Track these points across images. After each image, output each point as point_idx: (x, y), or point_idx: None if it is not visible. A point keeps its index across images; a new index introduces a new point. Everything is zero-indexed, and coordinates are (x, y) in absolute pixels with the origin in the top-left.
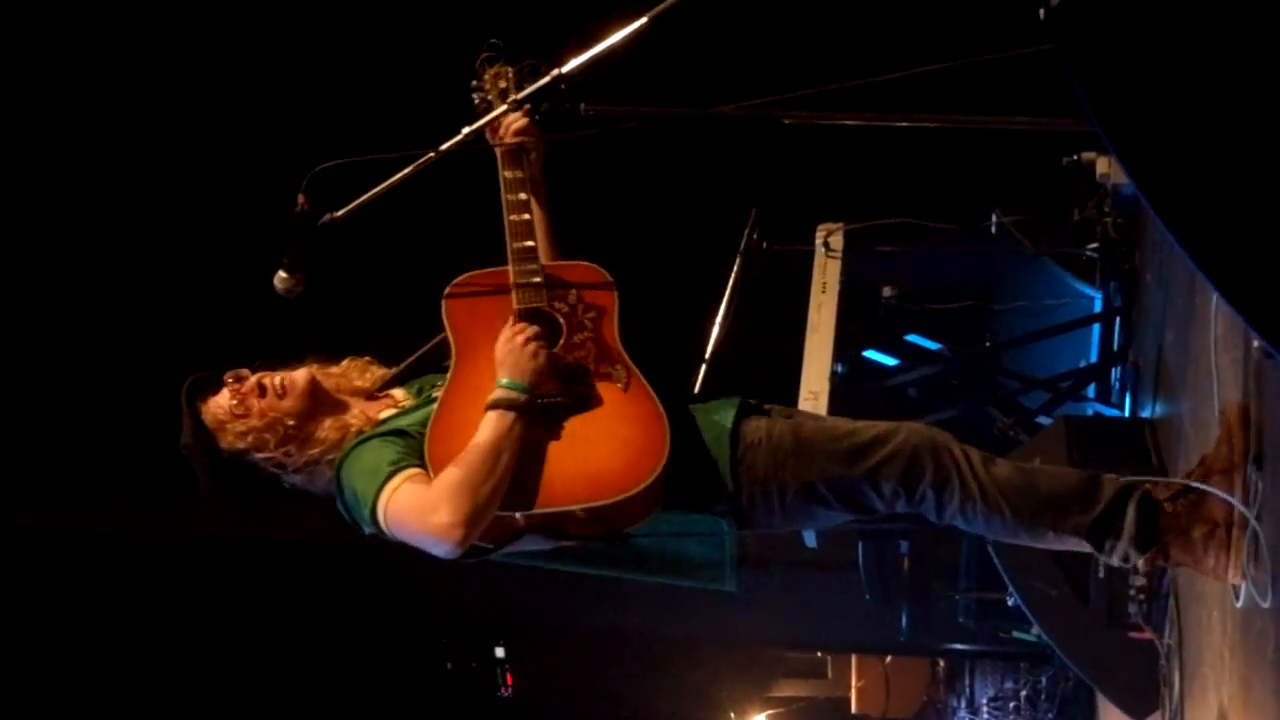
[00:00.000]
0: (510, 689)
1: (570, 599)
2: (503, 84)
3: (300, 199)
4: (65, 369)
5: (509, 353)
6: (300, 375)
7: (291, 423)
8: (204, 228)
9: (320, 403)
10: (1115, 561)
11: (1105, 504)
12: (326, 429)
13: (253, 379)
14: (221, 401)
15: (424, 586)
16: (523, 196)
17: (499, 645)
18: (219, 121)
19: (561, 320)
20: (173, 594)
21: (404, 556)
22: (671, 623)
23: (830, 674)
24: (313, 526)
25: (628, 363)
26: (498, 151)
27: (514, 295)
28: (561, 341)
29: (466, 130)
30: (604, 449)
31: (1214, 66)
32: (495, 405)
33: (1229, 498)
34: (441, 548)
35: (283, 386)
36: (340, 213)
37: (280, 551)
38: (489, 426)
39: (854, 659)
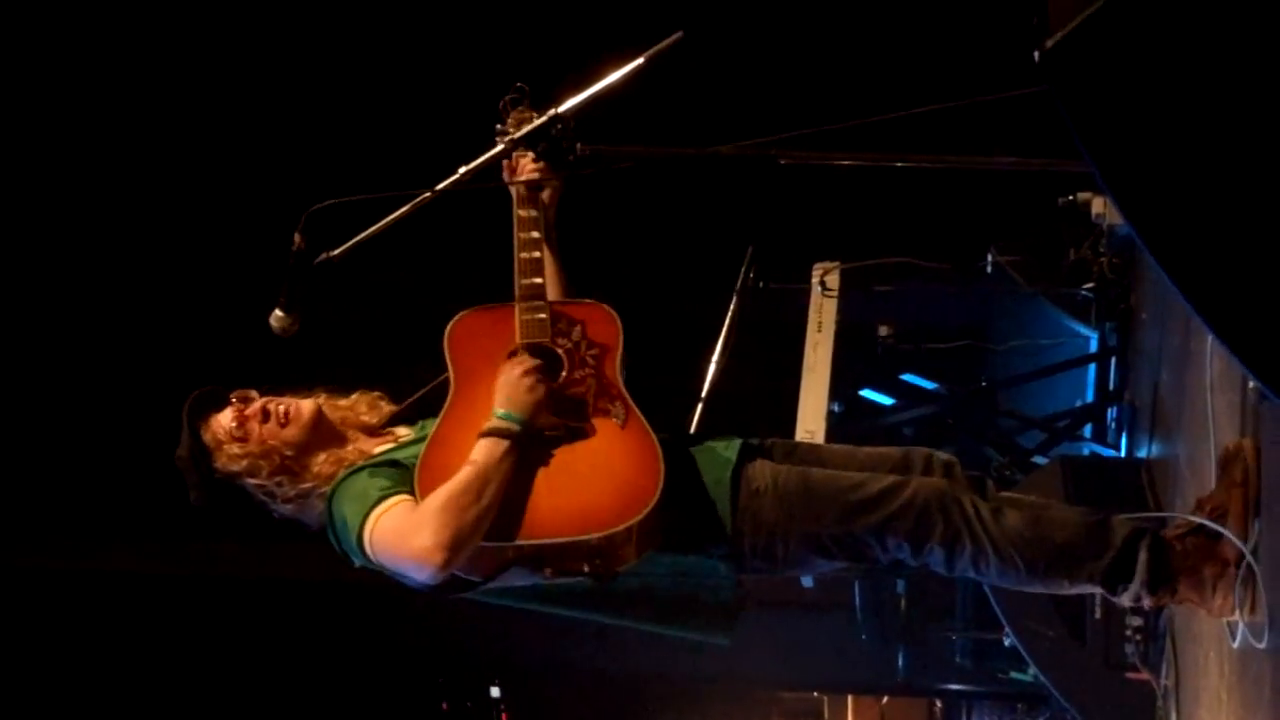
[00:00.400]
0: None
1: (566, 639)
2: (526, 127)
3: (296, 238)
4: (68, 408)
5: (506, 383)
6: (307, 406)
7: (289, 453)
8: (211, 265)
9: (321, 435)
10: (1126, 603)
11: (1117, 549)
12: (321, 463)
13: (258, 403)
14: (223, 421)
15: (420, 626)
16: (535, 235)
17: (494, 685)
18: (225, 157)
19: (563, 355)
20: (168, 633)
21: (400, 595)
22: (667, 663)
23: (826, 714)
24: (307, 565)
25: (628, 401)
26: (513, 190)
27: (517, 330)
28: (562, 377)
29: (463, 170)
30: (595, 484)
31: (1207, 107)
32: (488, 434)
33: (1237, 541)
34: (423, 572)
35: (286, 415)
36: (337, 252)
37: (275, 590)
38: (479, 454)
39: (850, 699)
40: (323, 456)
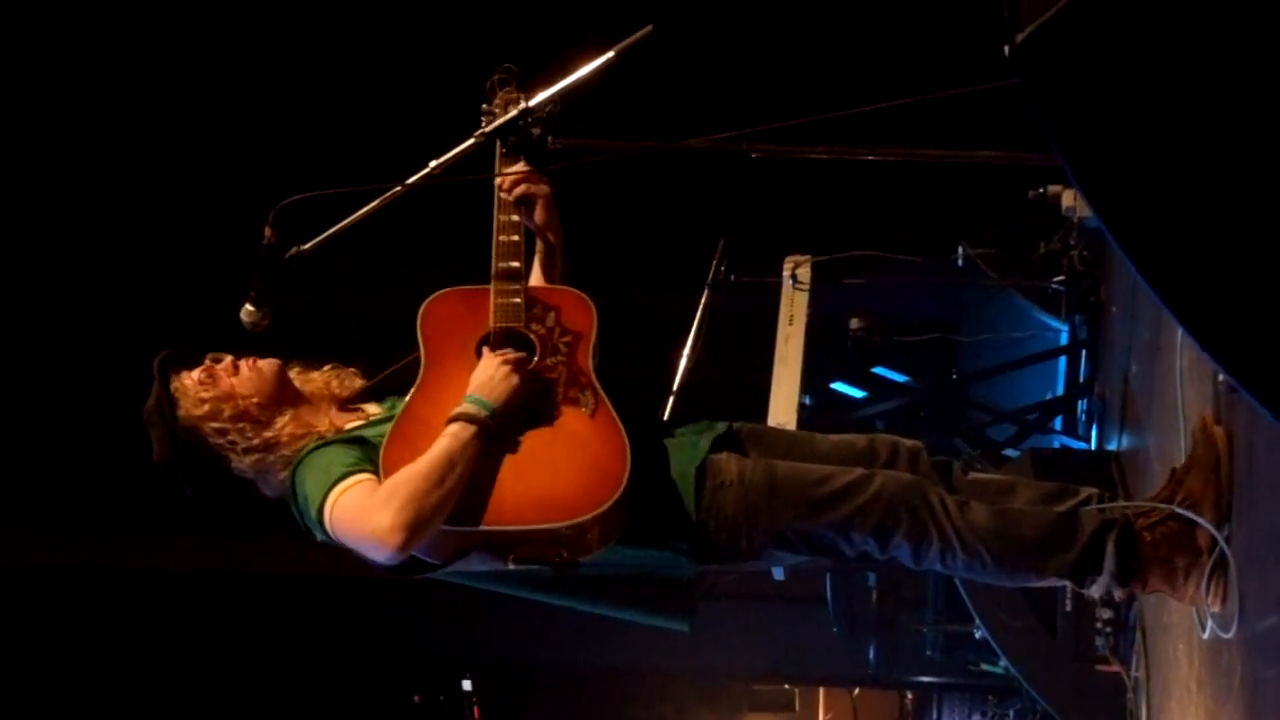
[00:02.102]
0: None
1: (538, 632)
2: (512, 109)
3: (267, 232)
4: (44, 401)
5: (484, 370)
6: (268, 360)
7: (255, 400)
8: (188, 257)
9: (287, 394)
10: (1096, 595)
11: (1085, 542)
12: (287, 419)
13: (229, 359)
14: (194, 374)
15: (392, 619)
16: (515, 219)
17: (466, 678)
18: (197, 151)
19: (536, 341)
20: (139, 628)
21: (371, 587)
22: (639, 655)
23: (798, 707)
24: (278, 559)
25: (598, 390)
26: (498, 166)
27: (491, 312)
28: (533, 363)
29: (434, 163)
30: (560, 472)
31: (1179, 101)
32: (457, 419)
33: (1212, 529)
34: (381, 553)
35: (253, 368)
36: (307, 246)
37: (246, 585)
38: (446, 438)
39: (822, 692)
40: (289, 413)
